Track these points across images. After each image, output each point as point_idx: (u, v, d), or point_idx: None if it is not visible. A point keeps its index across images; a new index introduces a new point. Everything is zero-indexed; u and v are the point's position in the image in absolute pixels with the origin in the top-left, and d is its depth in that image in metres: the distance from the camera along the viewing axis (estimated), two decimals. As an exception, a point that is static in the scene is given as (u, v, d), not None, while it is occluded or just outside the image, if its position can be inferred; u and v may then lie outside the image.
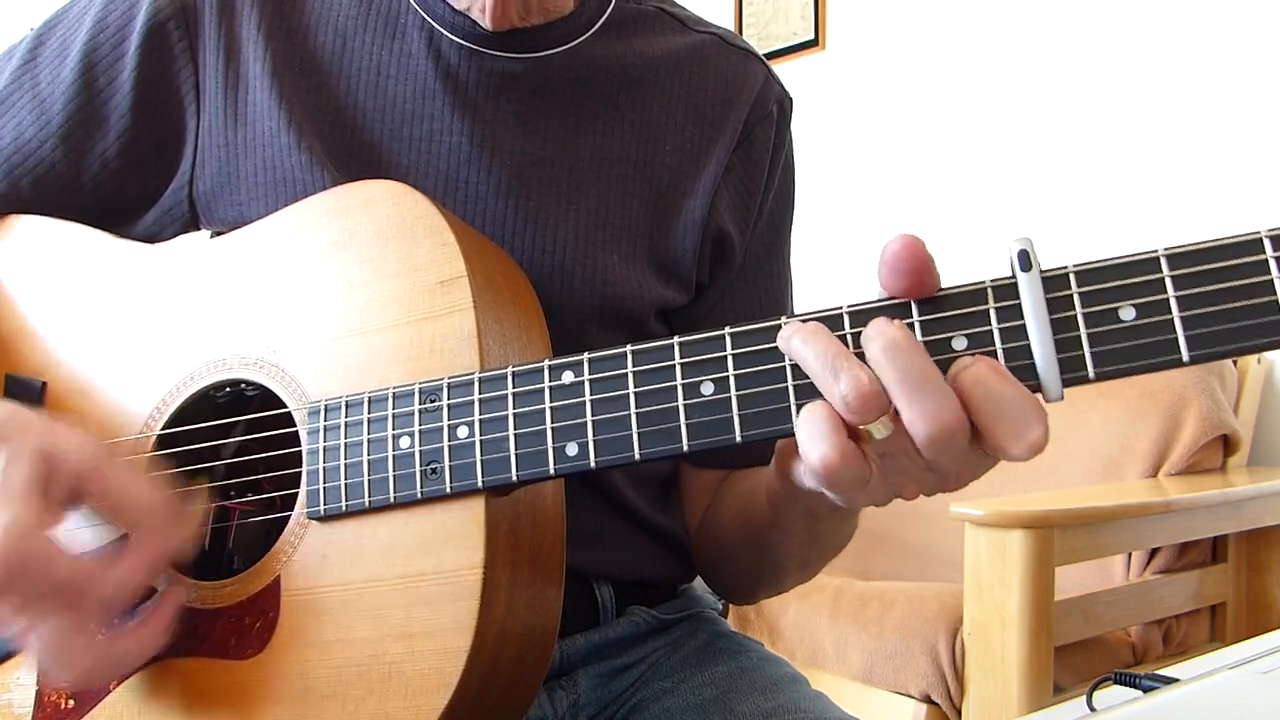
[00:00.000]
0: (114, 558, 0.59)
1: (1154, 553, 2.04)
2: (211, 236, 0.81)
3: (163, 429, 0.71)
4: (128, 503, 0.60)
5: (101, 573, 0.58)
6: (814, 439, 0.51)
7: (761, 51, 0.95)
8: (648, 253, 0.82)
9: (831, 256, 2.90)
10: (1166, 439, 2.15)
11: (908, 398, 0.49)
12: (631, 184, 0.82)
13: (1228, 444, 2.20)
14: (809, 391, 0.53)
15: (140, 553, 0.60)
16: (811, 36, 3.18)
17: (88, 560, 0.58)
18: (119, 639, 0.61)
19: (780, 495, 0.67)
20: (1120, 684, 0.69)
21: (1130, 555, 2.06)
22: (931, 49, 2.91)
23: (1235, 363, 2.27)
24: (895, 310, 0.52)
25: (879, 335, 0.50)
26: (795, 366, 0.53)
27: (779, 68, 3.04)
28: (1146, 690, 0.66)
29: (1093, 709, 0.66)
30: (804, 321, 0.53)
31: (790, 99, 0.91)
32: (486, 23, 0.78)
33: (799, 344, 0.52)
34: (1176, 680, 0.65)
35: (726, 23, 3.09)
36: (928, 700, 1.87)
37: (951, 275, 0.52)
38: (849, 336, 0.53)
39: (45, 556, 0.56)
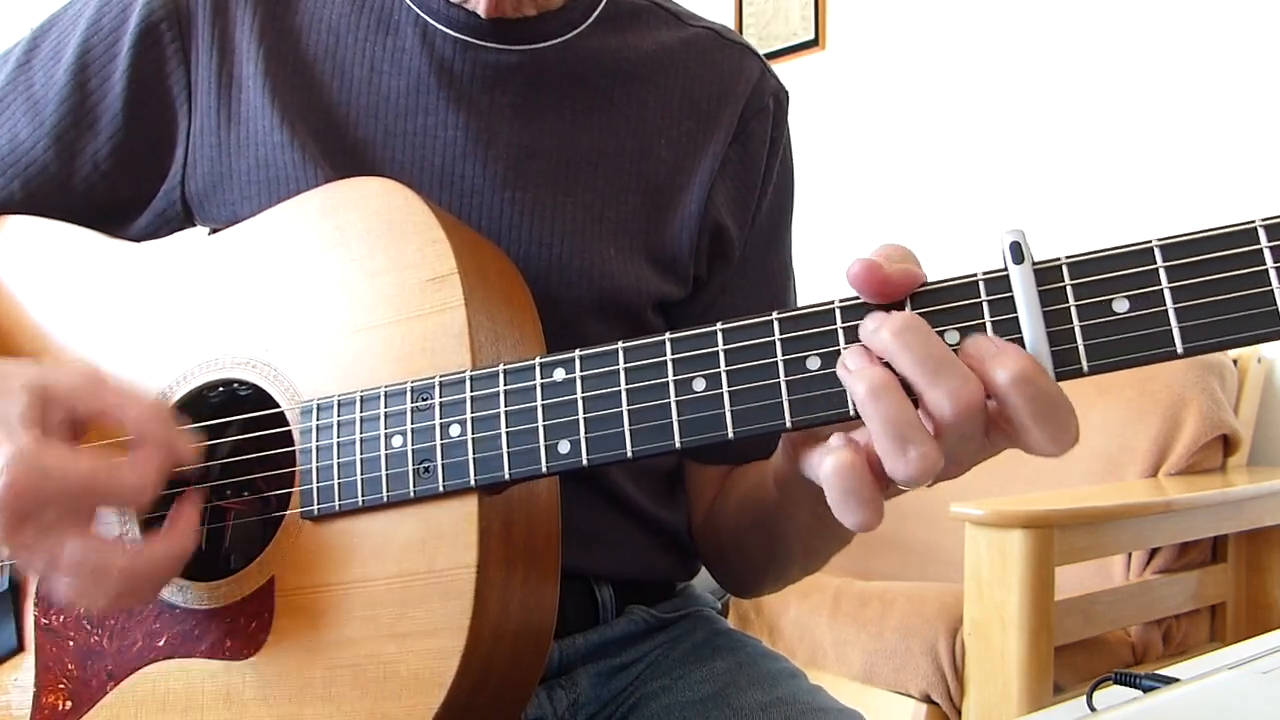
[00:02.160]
0: (125, 461, 0.59)
1: (1154, 553, 2.04)
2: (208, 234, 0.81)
3: None
4: (124, 412, 0.61)
5: (117, 473, 0.58)
6: (856, 506, 0.50)
7: (762, 51, 0.95)
8: (644, 246, 0.82)
9: (832, 255, 2.90)
10: (1166, 439, 2.15)
11: (929, 380, 0.48)
12: (627, 178, 0.82)
13: (1228, 444, 2.20)
14: (801, 387, 0.52)
15: (148, 453, 0.60)
16: (811, 36, 3.18)
17: (103, 461, 0.58)
18: (149, 545, 0.60)
19: (788, 479, 0.67)
20: (1120, 684, 0.69)
21: (1130, 555, 2.06)
22: (931, 49, 2.91)
23: (1235, 362, 2.27)
24: (889, 303, 0.52)
25: (887, 322, 0.49)
26: (788, 362, 0.53)
27: (779, 68, 3.04)
28: (1146, 690, 0.66)
29: (1093, 709, 0.66)
30: (799, 315, 0.53)
31: (786, 93, 0.91)
32: (480, 9, 0.78)
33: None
34: (1176, 680, 0.65)
35: (727, 22, 3.09)
36: (928, 700, 1.86)
37: (952, 273, 0.52)
38: (841, 331, 0.52)
39: (57, 468, 0.57)
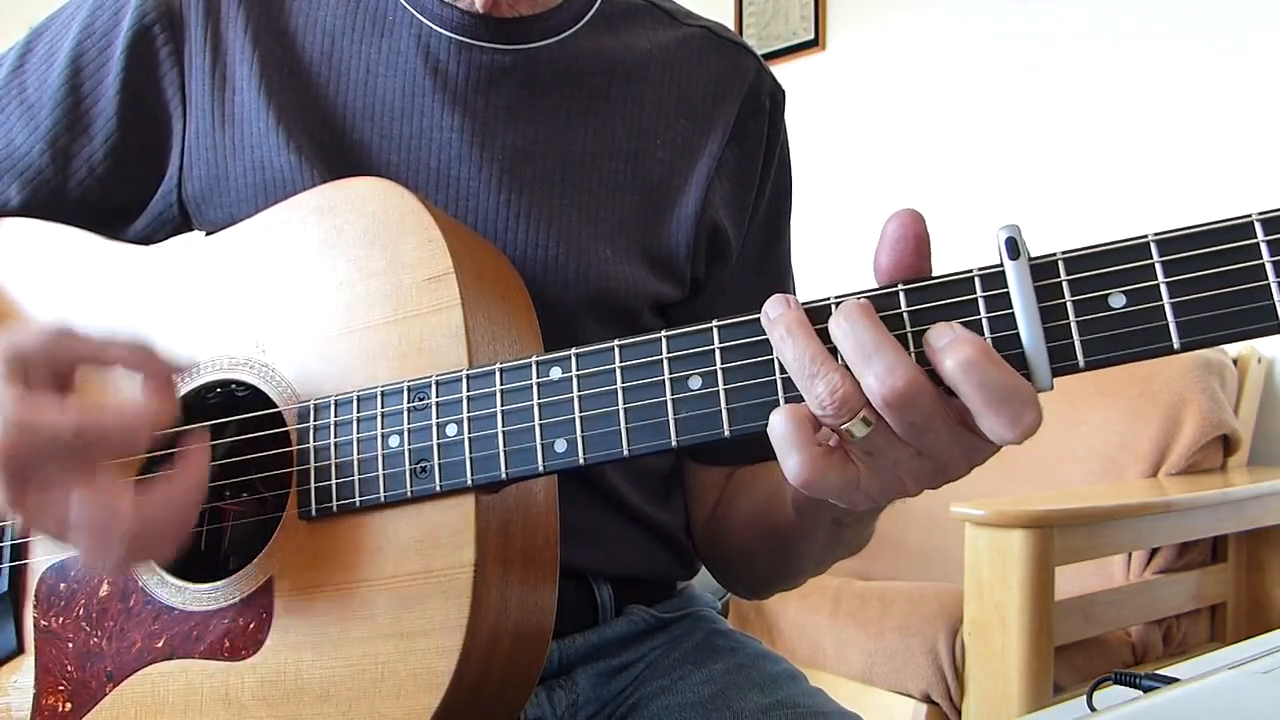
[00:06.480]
0: (124, 403, 0.58)
1: (1154, 553, 2.04)
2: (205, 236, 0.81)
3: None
4: (107, 352, 0.60)
5: (110, 412, 0.57)
6: (785, 453, 0.50)
7: (761, 51, 0.95)
8: (641, 247, 0.82)
9: (831, 255, 2.90)
10: (1166, 439, 2.15)
11: (860, 363, 0.49)
12: (623, 178, 0.82)
13: (1228, 444, 2.20)
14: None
15: (146, 384, 0.59)
16: (811, 36, 3.18)
17: (92, 403, 0.57)
18: (160, 488, 0.58)
19: (806, 502, 0.67)
20: (1120, 684, 0.68)
21: (1130, 555, 2.06)
22: (931, 49, 2.91)
23: (1235, 361, 2.27)
24: (883, 299, 0.52)
25: (834, 314, 0.51)
26: None
27: (779, 68, 3.05)
28: (1146, 690, 0.66)
29: (1093, 709, 0.66)
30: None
31: (783, 91, 0.91)
32: (478, 4, 0.78)
33: (779, 340, 0.52)
34: (1176, 680, 0.64)
35: (727, 22, 3.09)
36: (928, 700, 1.86)
37: (950, 269, 0.52)
38: None
39: (45, 419, 0.55)
